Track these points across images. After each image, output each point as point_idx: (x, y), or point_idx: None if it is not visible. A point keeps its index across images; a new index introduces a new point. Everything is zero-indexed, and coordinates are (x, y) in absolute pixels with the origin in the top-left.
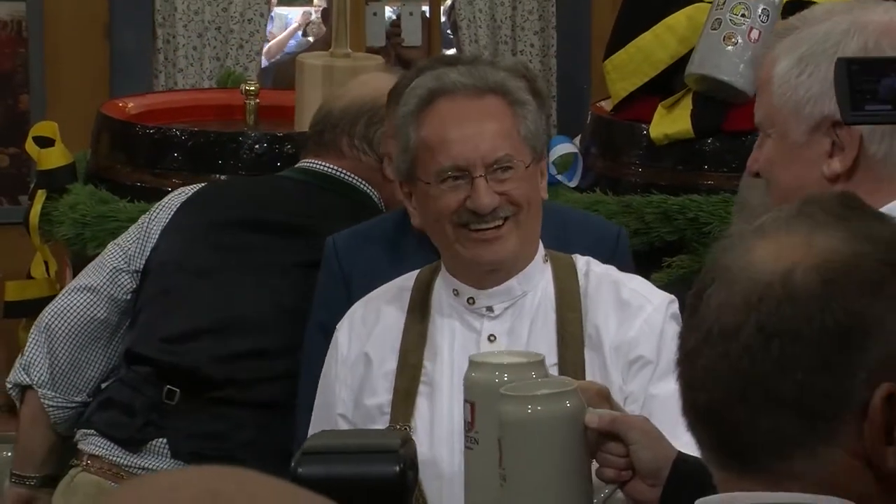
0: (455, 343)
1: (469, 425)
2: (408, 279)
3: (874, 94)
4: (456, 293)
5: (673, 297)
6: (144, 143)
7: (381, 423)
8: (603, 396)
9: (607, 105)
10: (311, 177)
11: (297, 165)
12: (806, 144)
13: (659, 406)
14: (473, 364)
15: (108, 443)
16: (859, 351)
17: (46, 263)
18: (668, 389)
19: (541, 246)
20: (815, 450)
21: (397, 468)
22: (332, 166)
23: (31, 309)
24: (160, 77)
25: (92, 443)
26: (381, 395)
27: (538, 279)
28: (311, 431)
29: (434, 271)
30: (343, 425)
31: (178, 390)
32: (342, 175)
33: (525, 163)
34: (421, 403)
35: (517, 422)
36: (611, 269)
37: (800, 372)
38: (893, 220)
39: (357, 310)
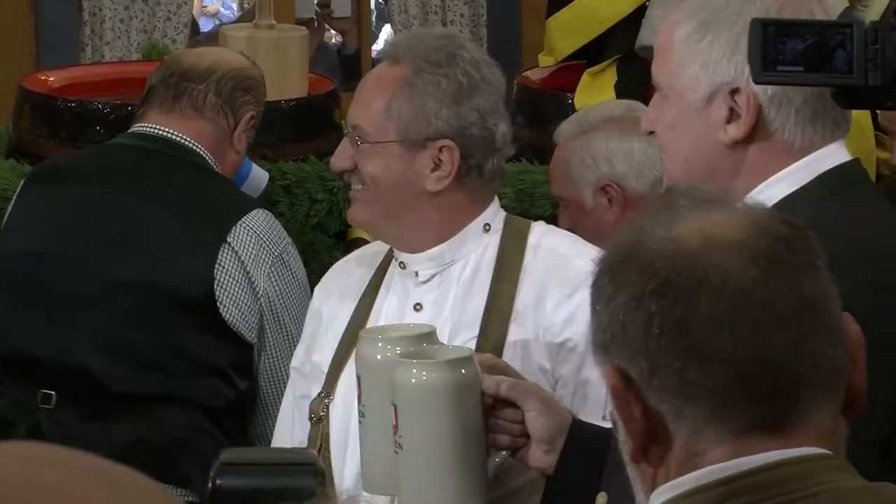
0: (389, 310)
1: (358, 399)
2: None
3: (785, 56)
4: (395, 256)
5: None
6: (66, 116)
7: (318, 384)
8: (497, 370)
9: (534, 74)
10: (152, 143)
11: (137, 130)
12: (704, 110)
13: (594, 390)
14: (361, 339)
15: None
16: None
17: None
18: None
19: (485, 214)
20: None
21: (316, 480)
22: (176, 132)
23: None
24: (87, 50)
25: None
26: (326, 352)
27: (470, 248)
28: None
29: None
30: (296, 378)
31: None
32: (186, 141)
33: (376, 140)
34: (350, 368)
35: (412, 389)
36: (565, 241)
37: None
38: None
39: (335, 268)
